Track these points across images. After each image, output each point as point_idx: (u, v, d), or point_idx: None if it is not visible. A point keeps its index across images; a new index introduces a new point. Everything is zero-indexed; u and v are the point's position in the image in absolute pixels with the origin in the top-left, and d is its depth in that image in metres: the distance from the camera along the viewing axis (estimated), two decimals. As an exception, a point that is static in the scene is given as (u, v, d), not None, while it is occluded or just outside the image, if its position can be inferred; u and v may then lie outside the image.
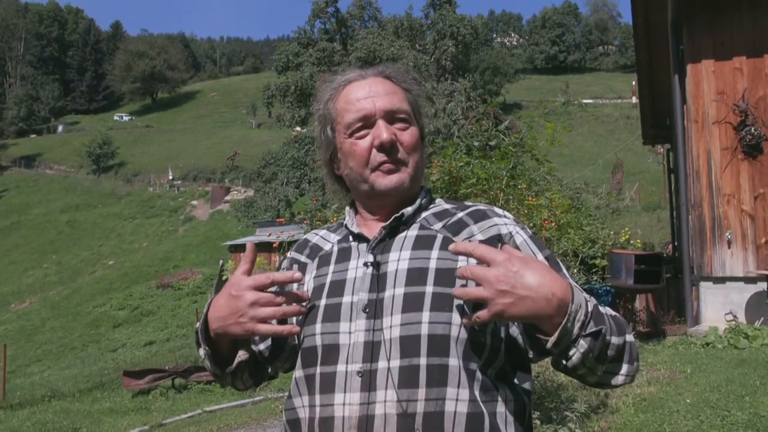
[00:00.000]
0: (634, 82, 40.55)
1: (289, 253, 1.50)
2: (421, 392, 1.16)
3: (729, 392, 5.22)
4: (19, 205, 56.97)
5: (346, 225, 1.41)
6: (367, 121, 1.32)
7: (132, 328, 25.07)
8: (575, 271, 8.30)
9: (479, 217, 1.34)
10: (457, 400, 1.17)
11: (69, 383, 14.15)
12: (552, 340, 1.10)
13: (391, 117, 1.33)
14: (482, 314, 1.09)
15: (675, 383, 5.72)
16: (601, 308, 1.17)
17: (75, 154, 66.50)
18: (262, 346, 1.42)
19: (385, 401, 1.17)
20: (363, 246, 1.34)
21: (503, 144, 4.96)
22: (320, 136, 1.42)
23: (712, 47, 7.99)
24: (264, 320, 1.21)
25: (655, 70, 10.75)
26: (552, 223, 5.29)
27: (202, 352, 1.34)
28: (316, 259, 1.39)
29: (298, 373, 1.29)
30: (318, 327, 1.27)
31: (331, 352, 1.24)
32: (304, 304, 1.27)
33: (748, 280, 7.66)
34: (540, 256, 1.29)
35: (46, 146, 76.33)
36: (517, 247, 1.28)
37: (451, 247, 1.14)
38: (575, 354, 1.12)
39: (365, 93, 1.34)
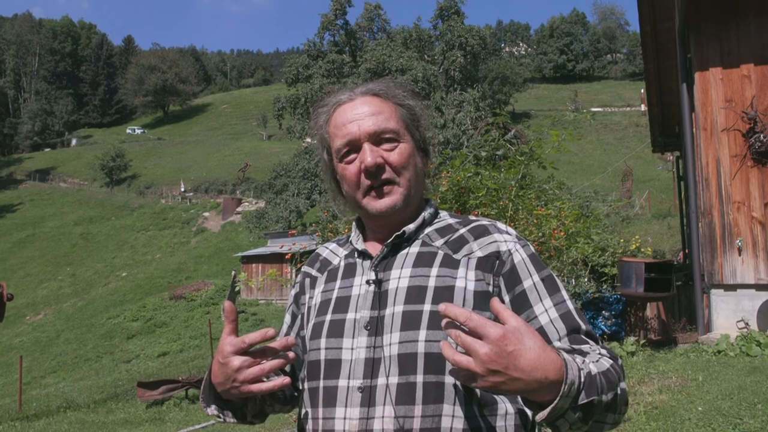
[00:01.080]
0: (642, 90, 40.50)
1: (302, 266, 1.53)
2: (418, 409, 1.18)
3: (741, 400, 5.22)
4: (33, 218, 57.41)
5: (351, 241, 1.44)
6: (354, 146, 1.32)
7: (145, 340, 25.13)
8: (585, 280, 8.32)
9: (480, 233, 1.33)
10: (453, 416, 1.19)
11: (84, 394, 14.20)
12: (541, 417, 1.06)
13: (377, 138, 1.31)
14: (473, 385, 1.05)
15: (686, 391, 5.71)
16: (593, 367, 1.11)
17: (88, 167, 67.10)
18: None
19: (383, 417, 1.19)
20: (367, 263, 1.36)
21: (511, 154, 5.00)
22: (321, 158, 1.43)
23: (719, 55, 8.00)
24: (255, 380, 1.21)
25: (664, 77, 10.75)
26: (561, 233, 5.31)
27: (211, 411, 1.33)
28: (325, 273, 1.42)
29: (305, 385, 1.33)
30: (323, 342, 1.31)
31: (334, 367, 1.27)
32: (290, 352, 1.24)
33: (760, 287, 7.62)
34: (536, 278, 1.28)
35: (60, 160, 76.98)
36: (514, 266, 1.29)
37: (440, 307, 1.06)
38: (563, 424, 1.08)
39: (351, 116, 1.33)
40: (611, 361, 1.17)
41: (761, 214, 7.72)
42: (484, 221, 1.37)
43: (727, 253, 7.80)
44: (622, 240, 10.64)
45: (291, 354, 1.24)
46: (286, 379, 1.23)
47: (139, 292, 34.27)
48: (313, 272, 1.46)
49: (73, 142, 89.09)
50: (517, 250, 1.31)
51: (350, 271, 1.37)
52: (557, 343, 1.22)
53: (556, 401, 1.03)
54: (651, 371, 6.58)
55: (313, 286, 1.43)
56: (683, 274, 9.77)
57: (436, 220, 1.39)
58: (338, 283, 1.37)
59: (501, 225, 1.36)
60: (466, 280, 1.26)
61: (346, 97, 1.37)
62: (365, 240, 1.41)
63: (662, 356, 7.33)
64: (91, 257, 45.35)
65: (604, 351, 1.21)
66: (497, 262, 1.29)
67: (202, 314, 26.50)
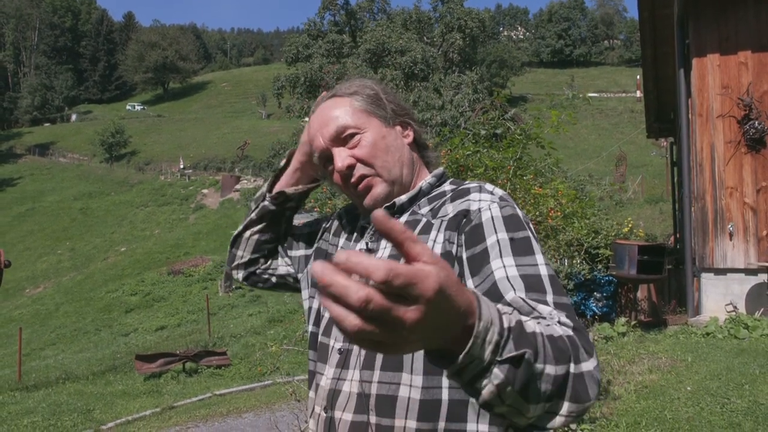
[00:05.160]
0: (638, 76, 40.52)
1: (341, 209, 1.58)
2: (377, 375, 1.18)
3: (729, 380, 5.33)
4: (33, 193, 57.33)
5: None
6: (326, 156, 1.36)
7: (144, 314, 25.20)
8: (578, 260, 8.44)
9: (459, 195, 1.29)
10: (411, 386, 1.15)
11: (82, 366, 14.30)
12: (452, 370, 0.83)
13: (338, 140, 1.34)
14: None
15: (676, 371, 5.82)
16: (533, 326, 0.89)
17: (88, 143, 66.79)
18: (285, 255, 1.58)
19: (351, 380, 1.22)
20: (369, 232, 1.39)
21: (510, 132, 5.04)
22: None
23: (717, 41, 8.05)
24: None
25: (660, 64, 10.78)
26: (558, 213, 5.39)
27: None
28: (349, 228, 1.46)
29: (309, 328, 1.40)
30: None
31: (330, 325, 1.32)
32: None
33: (749, 271, 7.75)
34: (503, 235, 1.16)
35: (60, 135, 76.67)
36: (480, 223, 1.19)
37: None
38: (487, 386, 0.83)
39: (315, 128, 1.37)
40: (570, 332, 0.97)
41: (753, 199, 7.83)
42: (473, 184, 1.31)
43: (719, 237, 7.91)
44: (615, 223, 10.75)
45: None
46: None
47: (138, 267, 34.33)
48: (344, 221, 1.50)
49: (73, 117, 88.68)
50: (489, 209, 1.21)
51: (360, 235, 1.41)
52: (510, 294, 1.07)
53: (469, 343, 0.80)
54: (641, 351, 6.67)
55: (338, 234, 1.48)
56: (674, 258, 9.89)
57: (435, 189, 1.37)
58: (351, 244, 1.41)
59: (488, 186, 1.29)
60: (434, 242, 1.22)
61: (312, 111, 1.43)
62: None
63: (652, 337, 7.43)
64: (90, 232, 45.35)
65: (567, 320, 1.01)
66: (464, 220, 1.22)
67: (199, 289, 26.56)
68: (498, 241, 1.15)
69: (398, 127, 1.40)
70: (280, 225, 1.56)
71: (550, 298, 1.07)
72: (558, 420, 0.92)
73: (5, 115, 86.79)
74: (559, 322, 0.99)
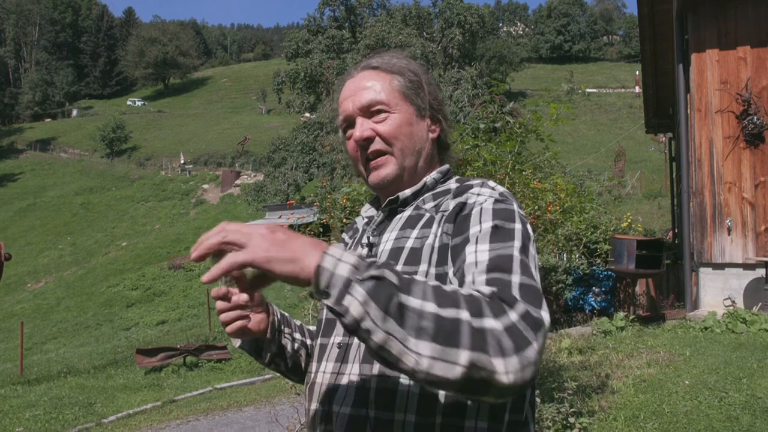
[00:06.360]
0: (637, 72, 40.51)
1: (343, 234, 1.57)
2: (376, 368, 1.17)
3: (727, 374, 5.33)
4: (34, 188, 57.37)
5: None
6: (350, 121, 1.36)
7: (144, 308, 25.29)
8: (577, 255, 8.46)
9: (461, 191, 1.28)
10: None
11: (84, 360, 14.37)
12: (314, 286, 0.93)
13: (368, 112, 1.33)
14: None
15: (674, 365, 5.83)
16: (415, 277, 0.96)
17: (89, 138, 66.87)
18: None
19: (349, 374, 1.21)
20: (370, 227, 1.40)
21: (509, 125, 5.03)
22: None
23: (716, 37, 8.07)
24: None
25: (659, 59, 10.79)
26: (556, 207, 5.39)
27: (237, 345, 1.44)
28: (353, 238, 1.47)
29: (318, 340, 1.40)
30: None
31: (330, 325, 1.31)
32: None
33: (747, 266, 7.78)
34: (487, 225, 1.15)
35: (61, 130, 76.63)
36: (470, 214, 1.19)
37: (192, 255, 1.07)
38: (352, 302, 0.89)
39: (348, 93, 1.36)
40: (475, 294, 0.96)
41: (751, 194, 7.85)
42: (475, 180, 1.31)
43: (717, 232, 7.94)
44: (614, 218, 10.77)
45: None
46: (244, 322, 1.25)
47: (139, 261, 34.38)
48: (347, 239, 1.50)
49: (74, 112, 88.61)
50: (483, 203, 1.21)
51: (362, 235, 1.42)
52: (467, 278, 1.07)
53: (319, 259, 0.92)
54: (640, 346, 6.69)
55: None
56: (672, 253, 9.93)
57: (440, 186, 1.37)
58: (352, 247, 1.41)
59: (491, 183, 1.28)
60: (435, 236, 1.23)
61: (350, 73, 1.41)
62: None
63: (651, 331, 7.46)
64: (91, 227, 45.40)
65: (485, 288, 0.99)
66: (460, 212, 1.22)
67: (200, 284, 26.57)
68: (480, 229, 1.14)
69: (428, 120, 1.39)
70: (283, 344, 1.45)
71: (516, 278, 1.03)
72: (458, 370, 0.88)
73: (6, 110, 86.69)
74: (476, 290, 0.98)
